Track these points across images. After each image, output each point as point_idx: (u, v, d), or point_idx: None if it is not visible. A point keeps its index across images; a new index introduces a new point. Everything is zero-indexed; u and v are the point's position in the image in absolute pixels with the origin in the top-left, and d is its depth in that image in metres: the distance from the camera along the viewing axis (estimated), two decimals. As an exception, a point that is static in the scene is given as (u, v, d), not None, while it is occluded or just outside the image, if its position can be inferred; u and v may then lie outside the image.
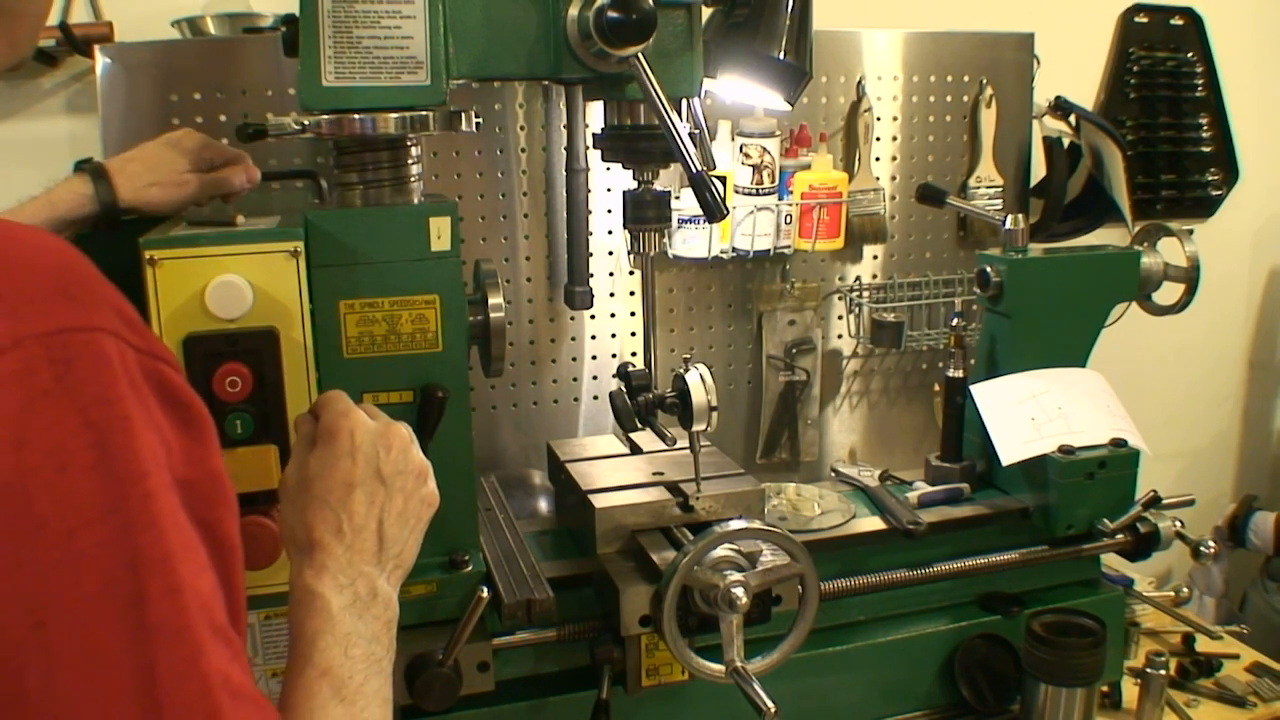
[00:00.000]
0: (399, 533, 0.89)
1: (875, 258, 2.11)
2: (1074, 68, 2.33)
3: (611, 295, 1.95)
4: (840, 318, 2.11)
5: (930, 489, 1.58)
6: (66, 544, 0.53)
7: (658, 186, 1.24)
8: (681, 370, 1.25)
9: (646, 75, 1.09)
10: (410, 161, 1.18)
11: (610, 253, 1.93)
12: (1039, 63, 2.14)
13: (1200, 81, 2.45)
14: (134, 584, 0.54)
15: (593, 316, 1.95)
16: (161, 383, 0.59)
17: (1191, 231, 1.69)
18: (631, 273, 1.94)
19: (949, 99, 2.09)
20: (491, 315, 1.21)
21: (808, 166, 1.95)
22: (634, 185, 1.24)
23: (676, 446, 1.33)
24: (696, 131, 1.30)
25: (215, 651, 0.57)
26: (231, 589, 0.63)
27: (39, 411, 0.53)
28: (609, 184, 1.89)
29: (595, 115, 1.81)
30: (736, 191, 1.90)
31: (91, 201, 1.22)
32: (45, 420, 0.53)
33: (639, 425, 1.27)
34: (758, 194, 1.90)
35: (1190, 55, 2.44)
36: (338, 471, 0.88)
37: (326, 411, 0.92)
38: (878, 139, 2.05)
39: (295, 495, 0.89)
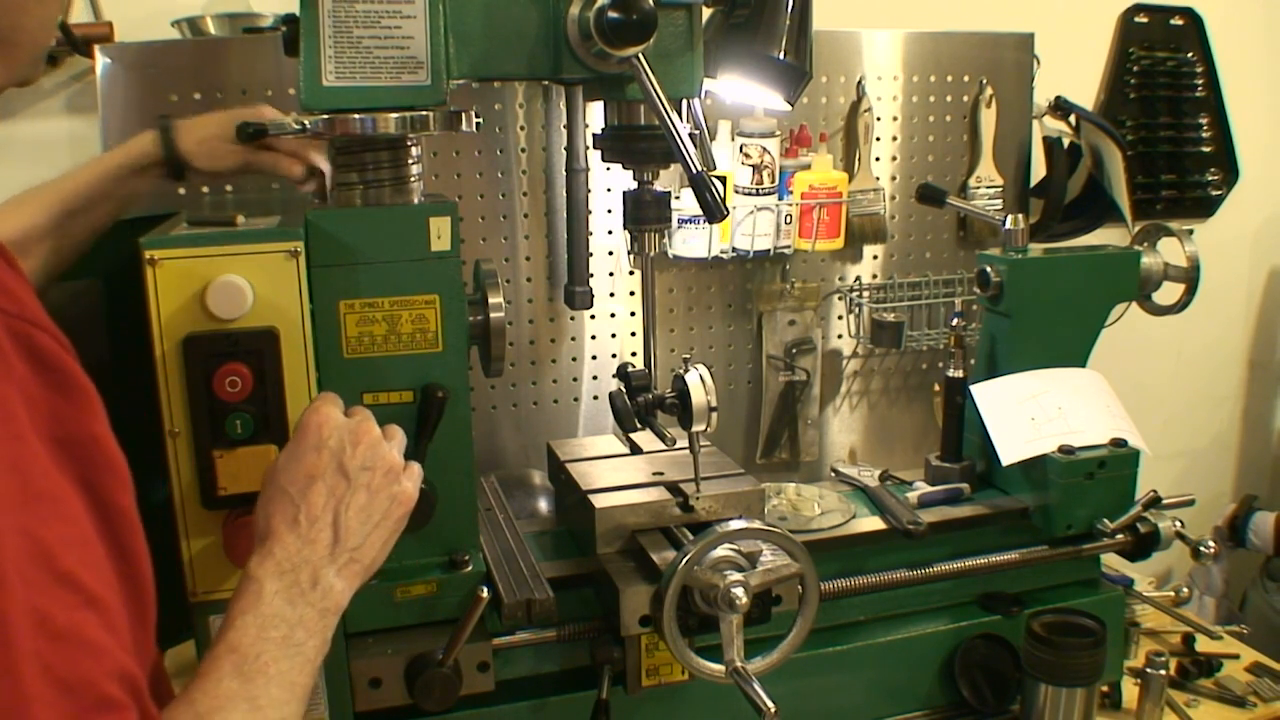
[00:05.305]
0: (359, 527, 0.89)
1: (875, 258, 2.11)
2: (1074, 68, 2.33)
3: (611, 295, 1.95)
4: (840, 318, 2.11)
5: (930, 489, 1.58)
6: None
7: (658, 186, 1.24)
8: (681, 370, 1.25)
9: (647, 75, 1.09)
10: (410, 161, 1.18)
11: (610, 253, 1.93)
12: (1039, 63, 2.14)
13: (1200, 81, 2.45)
14: None
15: (593, 316, 1.95)
16: (32, 345, 0.61)
17: (1191, 231, 1.69)
18: (631, 273, 1.94)
19: (949, 99, 2.09)
20: (491, 315, 1.21)
21: (808, 166, 1.95)
22: (634, 185, 1.24)
23: (676, 446, 1.33)
24: (696, 131, 1.30)
25: (35, 594, 0.56)
26: (128, 555, 0.64)
27: None
28: (609, 184, 1.89)
29: (595, 115, 1.81)
30: (736, 191, 1.90)
31: (156, 145, 1.32)
32: None
33: (639, 425, 1.26)
34: (758, 194, 1.90)
35: (1190, 55, 2.44)
36: (302, 464, 0.89)
37: (305, 409, 0.94)
38: (878, 139, 2.05)
39: (264, 486, 0.91)
